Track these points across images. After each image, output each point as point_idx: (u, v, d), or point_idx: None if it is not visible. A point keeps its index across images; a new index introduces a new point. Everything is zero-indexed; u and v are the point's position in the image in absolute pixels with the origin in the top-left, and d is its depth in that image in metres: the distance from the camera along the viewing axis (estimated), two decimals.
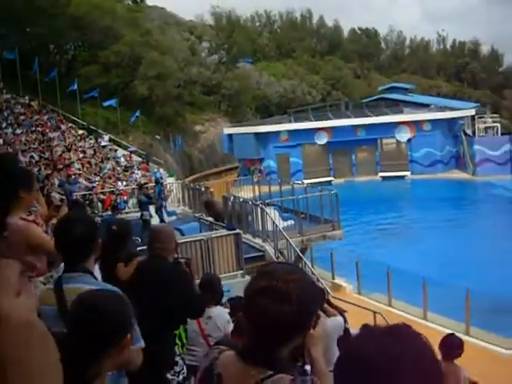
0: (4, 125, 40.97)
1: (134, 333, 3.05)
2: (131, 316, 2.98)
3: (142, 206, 25.95)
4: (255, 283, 2.34)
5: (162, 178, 37.65)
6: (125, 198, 34.59)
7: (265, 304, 2.24)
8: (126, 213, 29.38)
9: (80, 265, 4.11)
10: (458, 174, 60.44)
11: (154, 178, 37.63)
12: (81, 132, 47.77)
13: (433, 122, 61.01)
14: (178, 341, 6.02)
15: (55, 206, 5.76)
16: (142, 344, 3.95)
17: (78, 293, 3.95)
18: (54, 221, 5.43)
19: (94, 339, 2.75)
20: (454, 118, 63.03)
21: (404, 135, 61.90)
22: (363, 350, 1.72)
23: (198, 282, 7.42)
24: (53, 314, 3.90)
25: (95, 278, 4.20)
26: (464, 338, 17.06)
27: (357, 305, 18.34)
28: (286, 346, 2.35)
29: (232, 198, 26.10)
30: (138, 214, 25.59)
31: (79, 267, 4.10)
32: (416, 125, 61.28)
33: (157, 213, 28.41)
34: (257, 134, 61.84)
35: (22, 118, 44.43)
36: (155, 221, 26.92)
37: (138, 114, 55.90)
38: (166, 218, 29.41)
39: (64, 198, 23.70)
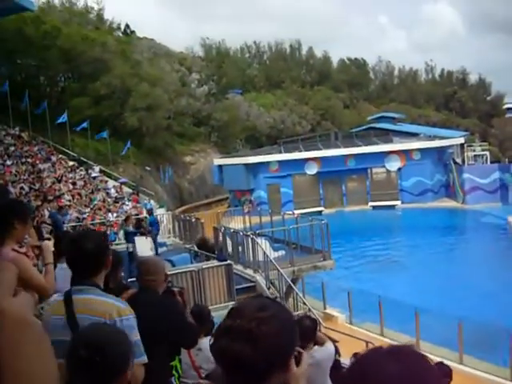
0: None
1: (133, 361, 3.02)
2: (131, 352, 2.98)
3: (128, 237, 25.88)
4: (222, 322, 2.21)
5: (152, 210, 37.66)
6: (115, 229, 34.53)
7: (224, 344, 2.11)
8: (117, 244, 29.27)
9: (89, 279, 4.15)
10: (448, 203, 60.54)
11: (144, 209, 37.66)
12: (71, 163, 47.70)
13: (422, 150, 61.19)
14: (174, 372, 5.98)
15: (36, 246, 5.75)
16: (145, 359, 4.00)
17: (87, 303, 4.01)
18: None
19: (96, 379, 2.75)
20: (443, 147, 63.27)
21: (394, 164, 62.04)
22: (364, 367, 1.73)
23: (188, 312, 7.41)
24: (61, 324, 3.97)
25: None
26: (457, 366, 17.10)
27: (349, 335, 18.33)
28: None
29: (223, 228, 26.13)
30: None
31: (88, 281, 4.14)
32: (406, 154, 61.45)
33: (154, 243, 28.41)
34: (247, 165, 61.92)
35: (12, 149, 44.37)
36: (151, 252, 26.92)
37: (128, 145, 55.95)
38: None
39: (53, 229, 23.68)
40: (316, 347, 7.49)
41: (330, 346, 7.80)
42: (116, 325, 3.88)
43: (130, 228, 26.16)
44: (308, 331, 7.32)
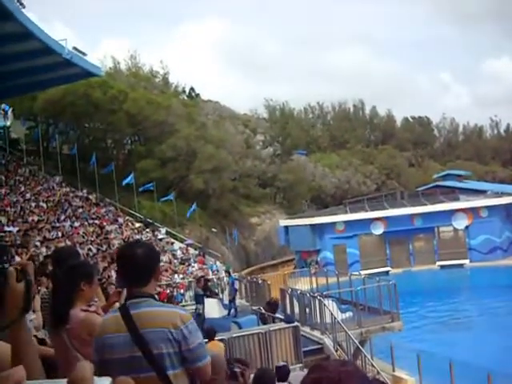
0: (62, 217, 41.58)
1: None
2: None
3: (198, 298, 25.88)
4: (307, 376, 2.25)
5: (218, 271, 37.71)
6: (181, 290, 34.63)
7: None
8: (183, 305, 29.33)
9: (142, 290, 4.10)
10: None
11: (210, 271, 37.74)
12: (138, 225, 48.25)
13: (490, 208, 60.29)
14: None
15: (117, 292, 5.80)
16: (209, 360, 4.18)
17: (148, 317, 3.95)
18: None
19: None
20: (511, 203, 62.27)
21: (461, 222, 61.20)
22: None
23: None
24: (126, 341, 3.92)
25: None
26: None
27: None
28: None
29: (290, 290, 25.98)
30: (194, 307, 25.56)
31: (141, 293, 4.09)
32: (473, 211, 60.62)
33: (230, 304, 28.44)
34: (313, 226, 61.77)
35: (80, 210, 45.11)
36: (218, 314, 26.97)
37: (194, 207, 56.39)
38: (224, 311, 29.38)
39: (121, 290, 23.79)
40: None
41: None
42: (183, 332, 3.94)
43: (200, 290, 26.23)
44: None
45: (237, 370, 6.30)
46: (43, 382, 2.99)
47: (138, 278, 4.13)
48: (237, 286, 33.00)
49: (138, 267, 4.11)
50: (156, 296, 4.32)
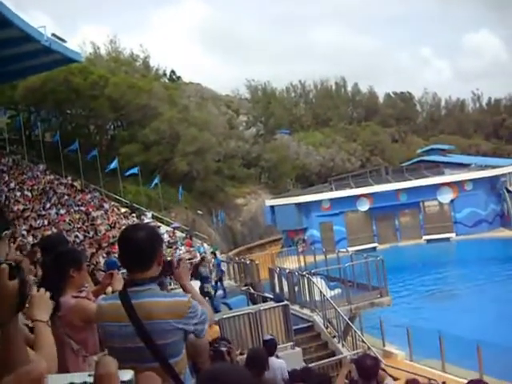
0: (48, 205, 41.44)
1: None
2: None
3: (203, 279, 25.91)
4: None
5: (205, 253, 37.71)
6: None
7: None
8: (172, 289, 29.33)
9: (144, 276, 4.03)
10: (504, 233, 59.58)
11: (198, 253, 37.71)
12: (123, 210, 48.16)
13: (474, 181, 60.53)
14: None
15: (109, 274, 5.77)
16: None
17: (153, 309, 3.89)
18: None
19: None
20: (495, 176, 62.48)
21: (446, 196, 61.43)
22: None
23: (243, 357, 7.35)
24: (124, 331, 3.89)
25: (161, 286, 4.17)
26: None
27: (410, 372, 17.99)
28: None
29: (278, 269, 26.07)
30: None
31: (143, 279, 4.03)
32: (458, 185, 60.84)
33: (216, 284, 28.48)
34: (299, 204, 61.89)
35: (65, 198, 44.98)
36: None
37: (181, 190, 56.37)
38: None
39: (112, 272, 23.81)
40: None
41: (390, 382, 7.68)
42: (188, 317, 3.95)
43: (205, 270, 26.36)
44: (370, 370, 7.21)
45: (223, 348, 6.30)
46: (68, 376, 2.96)
47: (139, 262, 4.05)
48: (223, 267, 33.05)
49: (139, 251, 4.02)
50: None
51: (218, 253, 36.09)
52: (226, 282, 33.83)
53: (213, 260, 32.02)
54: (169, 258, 5.95)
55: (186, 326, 3.95)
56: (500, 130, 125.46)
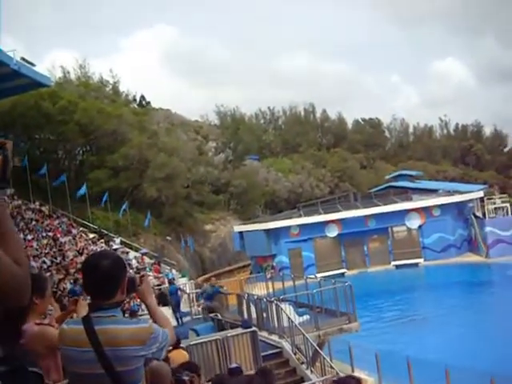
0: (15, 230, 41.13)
1: None
2: None
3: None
4: None
5: (174, 279, 37.60)
6: (138, 300, 34.40)
7: None
8: (140, 315, 29.18)
9: (108, 302, 3.98)
10: (471, 258, 60.16)
11: (166, 279, 37.58)
12: (92, 235, 47.88)
13: (442, 206, 61.10)
14: None
15: (74, 300, 5.72)
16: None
17: (114, 336, 3.83)
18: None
19: None
20: (463, 202, 63.14)
21: (414, 222, 61.92)
22: None
23: None
24: (85, 357, 3.82)
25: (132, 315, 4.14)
26: None
27: None
28: None
29: (246, 295, 26.00)
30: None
31: (109, 305, 3.98)
32: (426, 211, 61.36)
33: (174, 313, 28.38)
34: (267, 231, 61.97)
35: (33, 223, 44.62)
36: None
37: (149, 216, 56.15)
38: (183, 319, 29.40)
39: (77, 298, 23.61)
40: None
41: None
42: (151, 343, 3.90)
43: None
44: None
45: (185, 377, 6.23)
46: None
47: (104, 290, 4.00)
48: (180, 294, 33.04)
49: (104, 279, 3.97)
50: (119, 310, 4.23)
51: (174, 280, 35.99)
52: (195, 309, 33.73)
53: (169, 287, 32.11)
54: (132, 275, 5.87)
55: (147, 352, 3.92)
56: (467, 156, 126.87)
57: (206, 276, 56.60)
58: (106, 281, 3.98)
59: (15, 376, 3.07)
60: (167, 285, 33.80)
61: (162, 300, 29.82)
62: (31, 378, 3.49)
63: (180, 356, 12.87)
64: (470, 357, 25.01)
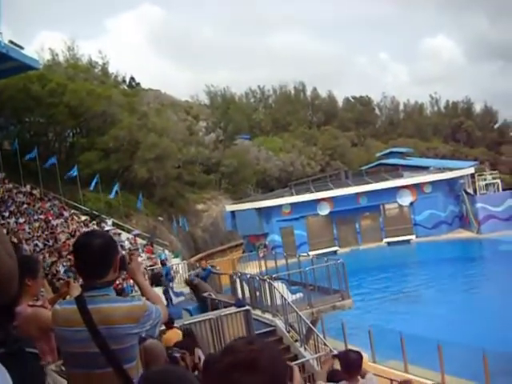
0: (7, 214, 41.00)
1: None
2: None
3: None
4: (221, 361, 2.25)
5: (167, 260, 37.60)
6: (131, 281, 34.44)
7: (236, 378, 2.15)
8: (133, 296, 29.23)
9: (99, 281, 4.01)
10: (463, 234, 60.33)
11: (159, 260, 37.58)
12: (84, 218, 47.79)
13: (433, 183, 61.19)
14: None
15: (66, 282, 5.72)
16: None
17: (107, 314, 3.86)
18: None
19: None
20: (453, 178, 63.23)
21: (406, 199, 62.04)
22: None
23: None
24: (85, 337, 3.84)
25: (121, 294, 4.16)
26: None
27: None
28: None
29: (239, 274, 26.05)
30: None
31: (98, 284, 4.00)
32: (417, 188, 61.47)
33: (164, 294, 28.36)
34: (259, 210, 62.02)
35: (25, 206, 44.52)
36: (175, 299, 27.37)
37: (141, 197, 56.05)
38: (174, 299, 29.35)
39: (69, 280, 23.68)
40: (362, 380, 7.46)
41: (371, 376, 7.79)
42: (144, 320, 3.94)
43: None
44: (355, 363, 7.29)
45: (176, 354, 6.27)
46: None
47: (95, 270, 4.02)
48: (172, 274, 33.13)
49: (95, 258, 3.99)
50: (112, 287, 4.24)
51: (166, 261, 35.99)
52: (188, 289, 33.79)
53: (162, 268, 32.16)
54: (121, 254, 5.84)
55: (140, 330, 3.95)
56: (458, 133, 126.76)
57: (199, 256, 56.73)
58: (97, 259, 4.01)
59: (14, 358, 3.08)
60: (160, 266, 33.79)
61: (155, 280, 29.83)
62: (29, 359, 3.50)
63: (174, 335, 12.95)
64: (462, 332, 25.14)
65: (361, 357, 7.64)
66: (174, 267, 36.66)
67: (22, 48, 39.98)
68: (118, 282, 32.33)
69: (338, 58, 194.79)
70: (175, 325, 14.28)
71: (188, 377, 2.74)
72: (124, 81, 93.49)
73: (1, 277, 1.97)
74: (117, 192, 53.64)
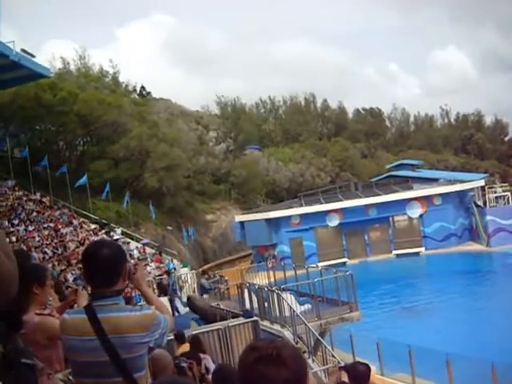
0: (16, 222, 41.14)
1: None
2: None
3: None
4: (245, 359, 2.36)
5: (175, 269, 37.60)
6: None
7: (263, 371, 2.26)
8: (141, 305, 29.24)
9: (108, 290, 4.01)
10: (472, 246, 60.07)
11: (167, 269, 37.58)
12: (93, 226, 47.89)
13: (443, 195, 60.97)
14: None
15: (74, 290, 5.70)
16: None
17: (117, 323, 3.86)
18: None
19: None
20: (464, 191, 63.03)
21: (415, 211, 61.84)
22: None
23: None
24: (90, 345, 3.84)
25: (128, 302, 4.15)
26: None
27: None
28: None
29: (247, 285, 26.01)
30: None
31: (108, 293, 4.00)
32: (427, 200, 61.27)
33: (170, 304, 28.38)
34: (268, 220, 61.89)
35: (34, 214, 44.63)
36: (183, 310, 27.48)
37: (151, 207, 56.14)
38: (182, 309, 29.31)
39: (77, 288, 23.70)
40: None
41: None
42: (154, 329, 3.96)
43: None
44: (362, 376, 7.25)
45: (184, 364, 6.25)
46: None
47: (104, 279, 4.02)
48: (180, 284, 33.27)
49: (104, 268, 3.99)
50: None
51: (172, 271, 36.03)
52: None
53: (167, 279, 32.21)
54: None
55: (150, 339, 3.95)
56: (468, 145, 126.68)
57: (208, 266, 56.77)
58: (106, 269, 4.01)
59: (8, 369, 3.06)
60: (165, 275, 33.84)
61: (162, 290, 29.84)
62: (25, 371, 3.48)
63: (181, 346, 12.95)
64: (471, 345, 25.04)
65: (369, 369, 7.59)
66: (183, 277, 36.64)
67: (33, 56, 40.22)
68: (126, 291, 32.32)
69: (348, 69, 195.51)
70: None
71: None
72: (135, 90, 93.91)
73: (5, 282, 1.97)
74: (127, 202, 53.76)
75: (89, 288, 4.31)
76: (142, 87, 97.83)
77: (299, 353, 2.46)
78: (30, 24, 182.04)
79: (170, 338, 11.92)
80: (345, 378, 7.46)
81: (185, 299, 31.44)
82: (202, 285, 28.30)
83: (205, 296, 27.34)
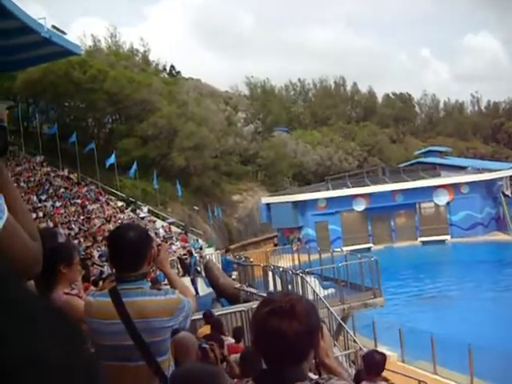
0: (44, 197, 41.45)
1: None
2: None
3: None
4: (260, 311, 2.46)
5: (201, 249, 37.70)
6: None
7: (276, 324, 2.35)
8: (165, 284, 29.35)
9: (133, 274, 4.05)
10: (499, 236, 59.64)
11: (193, 249, 37.69)
12: (120, 204, 48.14)
13: (471, 184, 60.49)
14: None
15: (110, 282, 5.76)
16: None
17: (142, 307, 3.91)
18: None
19: None
20: (492, 180, 62.49)
21: (442, 199, 61.46)
22: None
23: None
24: (114, 329, 3.90)
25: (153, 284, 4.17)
26: None
27: (401, 373, 18.01)
28: (303, 364, 2.46)
29: (272, 267, 26.06)
30: None
31: (135, 277, 4.04)
32: (454, 188, 60.86)
33: (193, 283, 28.51)
34: (295, 203, 61.79)
35: (62, 190, 44.93)
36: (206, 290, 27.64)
37: (179, 186, 56.26)
38: (206, 289, 29.44)
39: (104, 269, 23.86)
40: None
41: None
42: (178, 313, 3.99)
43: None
44: (379, 364, 7.26)
45: (205, 346, 6.27)
46: None
47: (131, 263, 4.06)
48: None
49: (129, 251, 4.03)
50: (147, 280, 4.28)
51: (193, 251, 36.08)
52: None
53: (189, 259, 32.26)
54: None
55: (174, 323, 3.99)
56: (498, 134, 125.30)
57: (233, 246, 56.87)
58: (132, 252, 4.04)
59: None
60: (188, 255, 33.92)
61: (183, 270, 30.00)
62: None
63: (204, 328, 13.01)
64: (494, 336, 24.90)
65: (384, 359, 7.60)
66: (208, 257, 36.76)
67: (64, 33, 40.35)
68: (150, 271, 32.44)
69: (378, 54, 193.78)
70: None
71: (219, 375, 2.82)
72: (164, 69, 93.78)
73: (28, 262, 2.00)
74: (156, 180, 54.01)
75: (113, 270, 4.35)
76: (172, 66, 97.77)
77: (314, 307, 2.57)
78: (58, 1, 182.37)
79: (194, 317, 11.98)
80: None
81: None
82: (229, 261, 28.42)
83: (234, 273, 27.44)
